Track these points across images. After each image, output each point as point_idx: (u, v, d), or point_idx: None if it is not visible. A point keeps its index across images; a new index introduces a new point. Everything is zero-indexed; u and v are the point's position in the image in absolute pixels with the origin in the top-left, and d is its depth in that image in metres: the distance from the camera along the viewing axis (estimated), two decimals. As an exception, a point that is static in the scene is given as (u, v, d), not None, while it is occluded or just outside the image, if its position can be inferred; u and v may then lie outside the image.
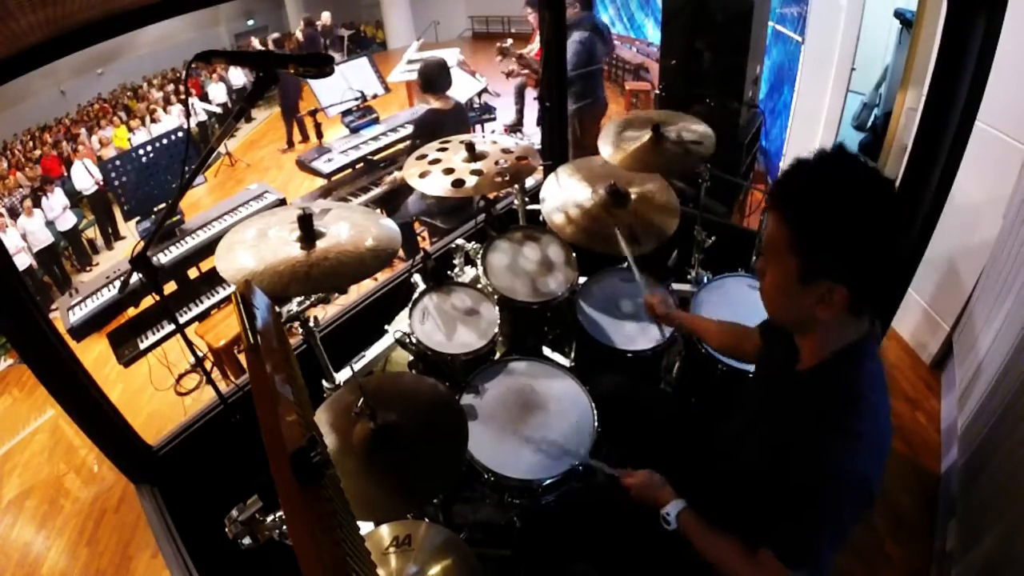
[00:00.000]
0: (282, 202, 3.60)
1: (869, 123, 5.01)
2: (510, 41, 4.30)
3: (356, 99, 3.97)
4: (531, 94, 5.28)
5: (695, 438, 1.37)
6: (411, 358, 1.74)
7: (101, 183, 7.11)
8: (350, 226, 1.41)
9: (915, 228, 0.85)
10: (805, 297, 0.88)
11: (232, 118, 1.14)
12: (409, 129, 3.89)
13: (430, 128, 3.02)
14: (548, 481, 1.36)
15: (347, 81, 3.99)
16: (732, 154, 3.22)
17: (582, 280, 1.93)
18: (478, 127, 5.11)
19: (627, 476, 1.20)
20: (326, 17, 9.60)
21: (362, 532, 1.07)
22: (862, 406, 0.87)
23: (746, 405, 1.19)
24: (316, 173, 3.79)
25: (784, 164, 4.14)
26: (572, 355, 1.94)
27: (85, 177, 7.05)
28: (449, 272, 2.06)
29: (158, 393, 3.29)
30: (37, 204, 6.41)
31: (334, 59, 1.05)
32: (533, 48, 4.68)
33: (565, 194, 1.86)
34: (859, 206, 0.82)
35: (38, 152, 7.95)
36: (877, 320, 0.96)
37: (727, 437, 1.18)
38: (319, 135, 4.00)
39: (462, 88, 4.32)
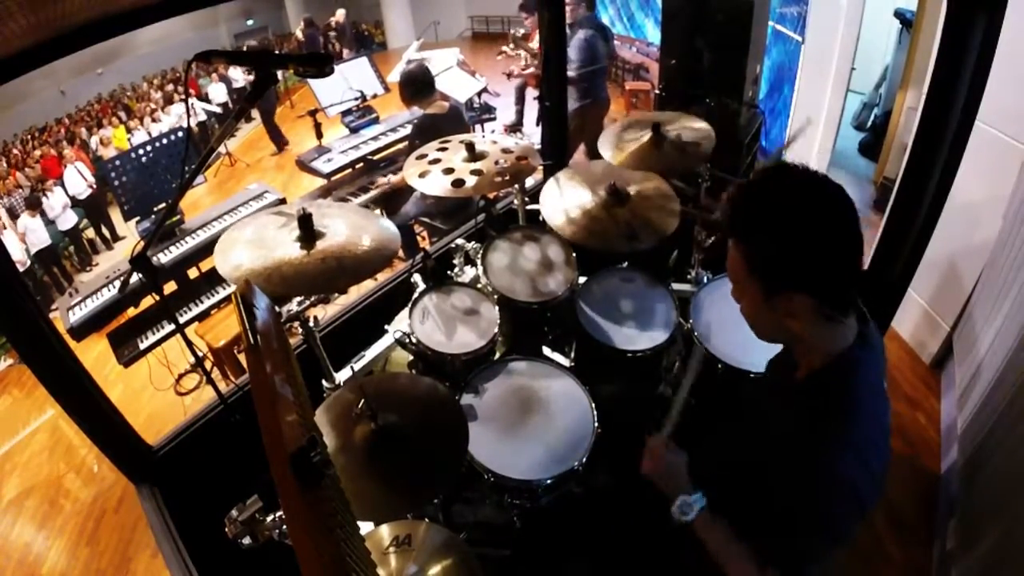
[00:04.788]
0: (282, 202, 3.60)
1: (869, 123, 5.02)
2: (522, 31, 4.31)
3: (356, 99, 3.97)
4: (531, 94, 5.28)
5: (695, 440, 1.37)
6: (411, 358, 1.74)
7: (94, 187, 7.10)
8: (348, 225, 1.41)
9: (854, 224, 0.85)
10: (773, 312, 0.90)
11: (232, 118, 1.14)
12: (409, 129, 3.89)
13: (428, 133, 2.99)
14: (548, 482, 1.35)
15: (347, 81, 3.99)
16: (732, 154, 3.21)
17: (582, 280, 1.93)
18: (478, 127, 5.10)
19: (653, 450, 1.17)
20: (340, 14, 9.66)
21: (362, 532, 1.07)
22: (855, 414, 0.87)
23: (748, 413, 1.19)
24: (316, 173, 3.79)
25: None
26: (572, 355, 1.94)
27: (78, 181, 7.04)
28: (449, 272, 2.06)
29: (158, 393, 3.29)
30: (37, 205, 6.39)
31: (333, 59, 1.05)
32: (533, 47, 4.68)
33: (566, 200, 1.86)
34: (794, 210, 0.84)
35: (38, 152, 7.95)
36: (871, 323, 0.96)
37: (727, 442, 1.18)
38: (319, 135, 3.99)
39: (462, 88, 4.32)
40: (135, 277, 1.25)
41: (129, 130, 8.31)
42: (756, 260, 0.88)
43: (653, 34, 6.89)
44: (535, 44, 4.61)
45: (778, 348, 1.22)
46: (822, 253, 0.84)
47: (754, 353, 1.59)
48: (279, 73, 1.12)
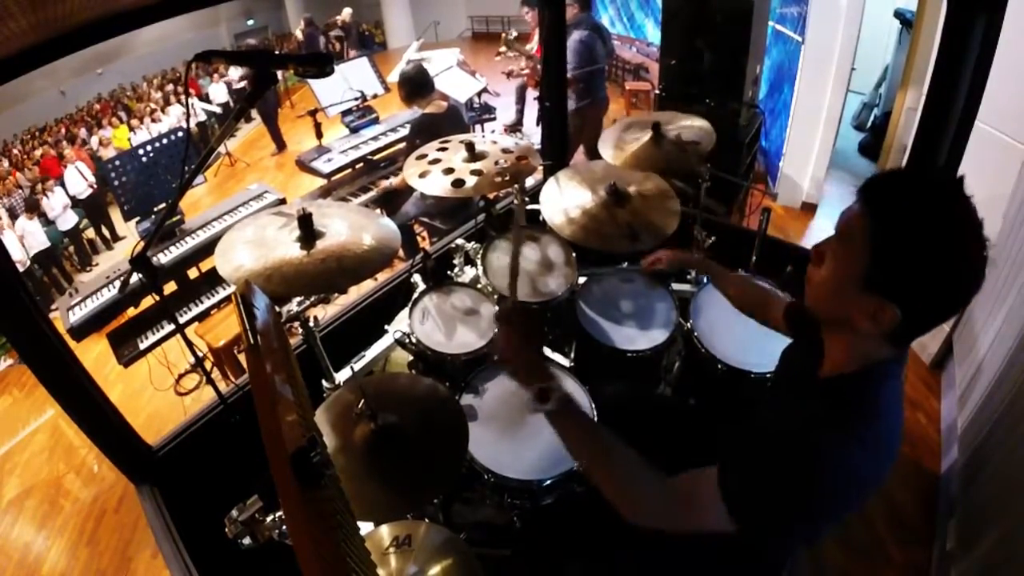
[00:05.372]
0: (282, 202, 3.60)
1: (869, 123, 5.02)
2: (515, 33, 4.31)
3: (356, 99, 3.97)
4: (531, 94, 5.28)
5: (694, 440, 1.37)
6: (411, 358, 1.74)
7: (94, 186, 7.11)
8: (348, 225, 1.41)
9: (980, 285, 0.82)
10: (856, 302, 0.83)
11: (232, 118, 1.14)
12: (409, 129, 3.90)
13: (426, 132, 2.99)
14: (548, 482, 1.36)
15: (347, 81, 3.99)
16: (732, 154, 3.21)
17: (582, 280, 1.93)
18: (478, 127, 5.10)
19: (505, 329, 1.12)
20: (346, 14, 9.71)
21: (362, 532, 1.07)
22: (873, 419, 0.86)
23: (759, 401, 1.18)
24: (316, 173, 3.79)
25: (784, 164, 4.15)
26: (572, 355, 1.94)
27: (79, 181, 7.05)
28: (449, 272, 2.06)
29: (158, 393, 3.29)
30: (35, 207, 6.40)
31: (333, 59, 1.05)
32: (532, 47, 4.69)
33: (566, 200, 1.86)
34: (954, 242, 0.76)
35: (38, 152, 7.95)
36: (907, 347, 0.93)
37: (729, 442, 1.17)
38: (319, 135, 3.99)
39: (462, 88, 4.32)
40: (135, 277, 1.25)
41: (132, 129, 8.31)
42: (887, 249, 0.78)
43: (653, 34, 6.89)
44: (534, 43, 4.62)
45: (779, 344, 1.21)
46: (950, 293, 0.79)
47: (753, 353, 1.60)
48: (279, 73, 1.12)
